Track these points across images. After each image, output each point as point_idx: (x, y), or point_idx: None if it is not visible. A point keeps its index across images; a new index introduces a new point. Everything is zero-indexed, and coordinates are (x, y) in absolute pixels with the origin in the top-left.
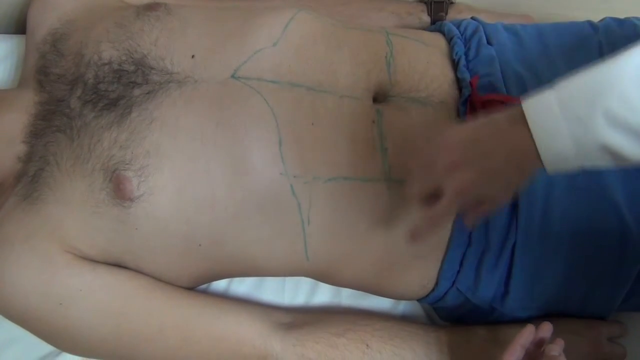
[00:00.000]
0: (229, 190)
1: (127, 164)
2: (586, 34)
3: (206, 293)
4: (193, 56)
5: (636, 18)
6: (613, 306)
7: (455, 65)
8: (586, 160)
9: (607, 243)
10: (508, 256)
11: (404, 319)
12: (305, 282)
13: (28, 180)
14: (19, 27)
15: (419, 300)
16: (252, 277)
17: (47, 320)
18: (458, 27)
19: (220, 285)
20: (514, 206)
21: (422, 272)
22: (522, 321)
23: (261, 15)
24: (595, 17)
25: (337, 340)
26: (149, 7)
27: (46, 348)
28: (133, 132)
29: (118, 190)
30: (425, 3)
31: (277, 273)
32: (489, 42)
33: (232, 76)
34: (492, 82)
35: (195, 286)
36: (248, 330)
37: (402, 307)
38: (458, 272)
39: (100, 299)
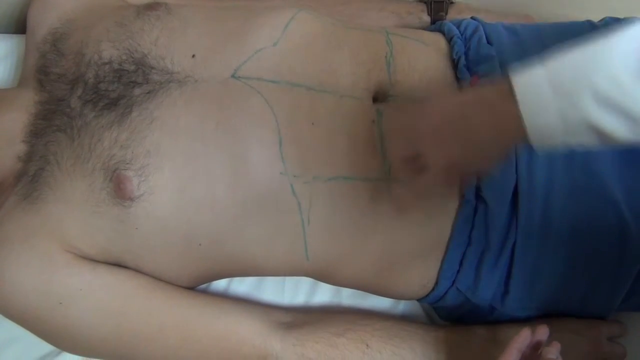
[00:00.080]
0: (229, 190)
1: (127, 163)
2: (586, 34)
3: (206, 293)
4: (193, 56)
5: (636, 18)
6: (613, 306)
7: (455, 64)
8: (572, 137)
9: (607, 242)
10: (508, 256)
11: (403, 319)
12: (305, 282)
13: (28, 179)
14: (19, 26)
15: (419, 300)
16: (252, 276)
17: (47, 320)
18: (458, 26)
19: (220, 284)
20: (514, 206)
21: (422, 271)
22: (521, 321)
23: (261, 15)
24: (595, 17)
25: (337, 339)
26: (150, 7)
27: (46, 347)
28: (133, 132)
29: (118, 189)
30: (425, 3)
31: (277, 273)
32: (489, 42)
33: (233, 76)
34: (492, 82)
35: (195, 286)
36: (248, 330)
37: (402, 306)
38: (458, 271)
39: (100, 298)
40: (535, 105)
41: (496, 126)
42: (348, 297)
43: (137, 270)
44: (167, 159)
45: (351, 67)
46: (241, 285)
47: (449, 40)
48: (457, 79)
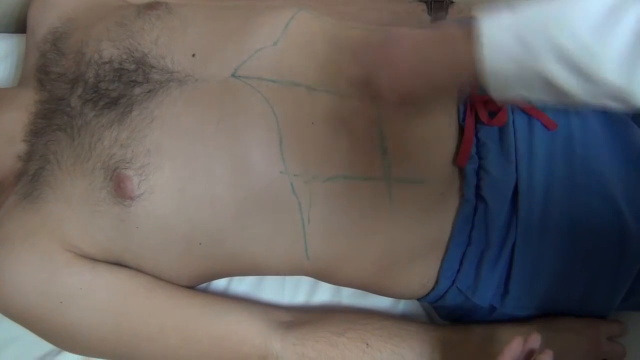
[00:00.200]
0: (229, 189)
1: (127, 162)
2: None
3: (206, 292)
4: (194, 55)
5: None
6: (612, 305)
7: None
8: (528, 89)
9: (607, 242)
10: (508, 255)
11: (403, 318)
12: (305, 281)
13: (28, 179)
14: (19, 26)
15: (419, 299)
16: (252, 276)
17: (47, 319)
18: None
19: (220, 284)
20: (514, 205)
21: (422, 271)
22: (521, 320)
23: (262, 14)
24: None
25: (337, 339)
26: (150, 6)
27: (46, 347)
28: (134, 131)
29: (119, 188)
30: (425, 2)
31: (277, 272)
32: None
33: (233, 75)
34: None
35: (195, 285)
36: (248, 330)
37: (402, 306)
38: (458, 271)
39: (100, 297)
40: (497, 50)
41: (454, 65)
42: (348, 296)
43: (138, 270)
44: (167, 158)
45: (351, 67)
46: (241, 285)
47: None
48: None
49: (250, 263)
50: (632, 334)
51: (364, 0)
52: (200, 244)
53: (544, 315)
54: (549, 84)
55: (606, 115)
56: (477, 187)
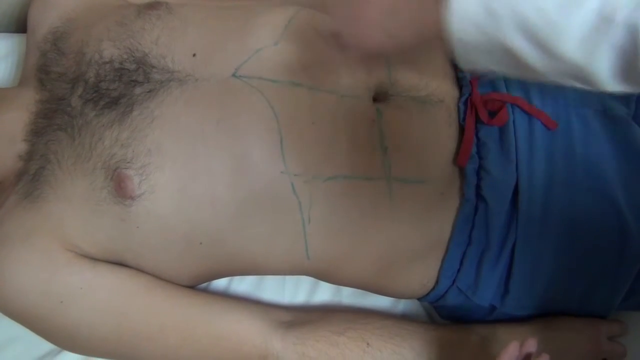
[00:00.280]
0: (229, 189)
1: (128, 162)
2: None
3: (206, 292)
4: (194, 55)
5: None
6: (613, 305)
7: (455, 64)
8: (493, 60)
9: (607, 242)
10: (508, 255)
11: (404, 318)
12: (306, 281)
13: (29, 178)
14: (20, 26)
15: (419, 299)
16: (253, 275)
17: (47, 319)
18: None
19: (220, 283)
20: (514, 205)
21: (423, 270)
22: (522, 320)
23: (262, 14)
24: None
25: (338, 338)
26: (150, 6)
27: (46, 347)
28: (134, 131)
29: (119, 188)
30: None
31: (277, 271)
32: None
33: (233, 75)
34: (493, 81)
35: (195, 284)
36: (248, 329)
37: (402, 305)
38: (458, 270)
39: (100, 297)
40: (464, 16)
41: (422, 27)
42: (348, 296)
43: (138, 269)
44: (167, 158)
45: (351, 67)
46: (241, 284)
47: None
48: (457, 77)
49: (250, 263)
50: (633, 334)
51: None
52: (200, 243)
53: (544, 315)
54: (513, 57)
55: (606, 115)
56: (478, 187)
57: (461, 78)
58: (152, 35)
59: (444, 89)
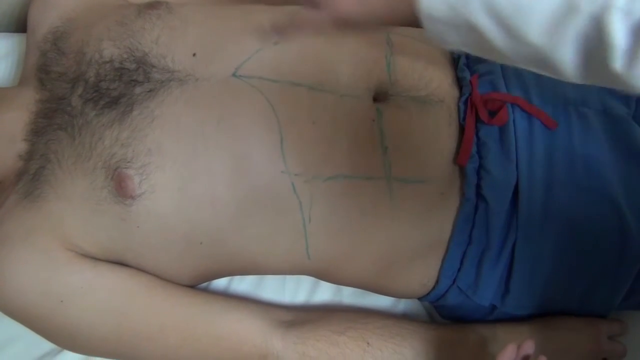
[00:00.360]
0: (230, 188)
1: (128, 162)
2: None
3: (207, 291)
4: (194, 54)
5: None
6: (613, 304)
7: (455, 63)
8: (460, 39)
9: (608, 242)
10: (508, 255)
11: (404, 317)
12: (306, 281)
13: (29, 178)
14: (20, 25)
15: (420, 298)
16: (253, 275)
17: (47, 318)
18: None
19: (220, 283)
20: (515, 204)
21: (423, 270)
22: (522, 319)
23: (262, 14)
24: None
25: (338, 338)
26: (150, 6)
27: (46, 347)
28: (134, 130)
29: (119, 188)
30: None
31: (278, 271)
32: None
33: (234, 75)
34: (493, 81)
35: (196, 284)
36: (249, 329)
37: (402, 305)
38: (459, 270)
39: (101, 297)
40: None
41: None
42: (349, 295)
43: (138, 269)
44: (168, 158)
45: (351, 67)
46: (242, 284)
47: None
48: (458, 77)
49: (250, 262)
50: (633, 333)
51: None
52: (200, 243)
53: (544, 314)
54: (480, 36)
55: (607, 114)
56: (478, 186)
57: (461, 78)
58: (152, 34)
59: (444, 89)
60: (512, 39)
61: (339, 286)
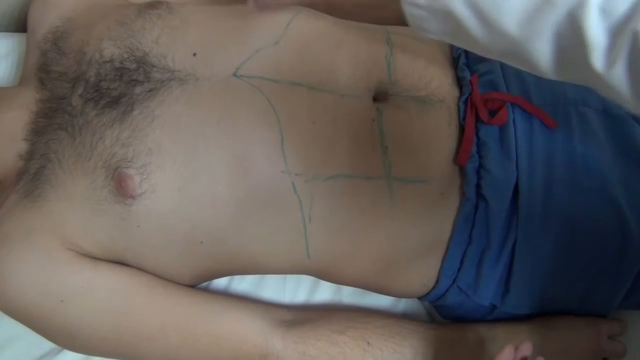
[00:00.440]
0: (230, 188)
1: (129, 161)
2: None
3: (207, 291)
4: (194, 54)
5: None
6: (613, 304)
7: (455, 63)
8: (436, 24)
9: (608, 242)
10: (508, 254)
11: (404, 317)
12: (306, 280)
13: (29, 177)
14: (20, 25)
15: (420, 298)
16: (253, 274)
17: (48, 318)
18: None
19: (221, 283)
20: (515, 204)
21: (423, 270)
22: (522, 319)
23: (263, 13)
24: None
25: (338, 337)
26: (151, 5)
27: (46, 347)
28: (135, 130)
29: (120, 187)
30: None
31: (278, 271)
32: None
33: (234, 74)
34: (493, 81)
35: (196, 284)
36: (249, 328)
37: (403, 305)
38: (459, 270)
39: (101, 296)
40: None
41: None
42: (349, 295)
43: (139, 269)
44: (168, 157)
45: (351, 67)
46: (242, 284)
47: None
48: (458, 77)
49: (251, 262)
50: (633, 333)
51: None
52: (201, 243)
53: (544, 314)
54: (458, 25)
55: (606, 114)
56: (478, 186)
57: (461, 78)
58: (152, 34)
59: (444, 89)
60: (488, 28)
61: (339, 286)
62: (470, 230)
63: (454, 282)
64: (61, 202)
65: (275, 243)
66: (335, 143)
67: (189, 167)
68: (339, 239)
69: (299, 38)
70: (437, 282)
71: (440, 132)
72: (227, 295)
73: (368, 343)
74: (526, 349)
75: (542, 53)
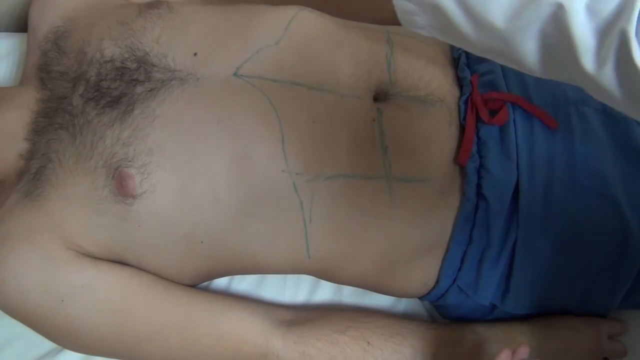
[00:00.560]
0: (231, 188)
1: (129, 161)
2: None
3: (207, 291)
4: (195, 54)
5: None
6: (613, 304)
7: (455, 63)
8: (425, 19)
9: (608, 242)
10: (508, 254)
11: (404, 317)
12: (306, 280)
13: (30, 177)
14: (21, 25)
15: (420, 298)
16: (253, 274)
17: (48, 317)
18: None
19: (221, 283)
20: (515, 204)
21: (423, 269)
22: (522, 319)
23: (263, 13)
24: None
25: (338, 337)
26: (151, 5)
27: (46, 346)
28: (135, 130)
29: (121, 187)
30: None
31: (278, 270)
32: None
33: (235, 74)
34: (493, 80)
35: (196, 284)
36: (249, 328)
37: (403, 304)
38: (459, 269)
39: (101, 296)
40: None
41: None
42: (349, 295)
43: (139, 268)
44: (169, 157)
45: (352, 67)
46: (242, 284)
47: None
48: (458, 77)
49: (251, 262)
50: (633, 333)
51: None
52: (201, 242)
53: (544, 314)
54: (446, 19)
55: (607, 113)
56: (478, 186)
57: (462, 77)
58: (153, 34)
59: (444, 89)
60: (475, 22)
61: (339, 285)
62: (470, 230)
63: (454, 281)
64: (62, 202)
65: (275, 243)
66: (335, 143)
67: (190, 167)
68: (340, 238)
69: (300, 38)
70: (437, 281)
71: (440, 132)
72: (227, 295)
73: (368, 343)
74: (523, 352)
75: (528, 50)
